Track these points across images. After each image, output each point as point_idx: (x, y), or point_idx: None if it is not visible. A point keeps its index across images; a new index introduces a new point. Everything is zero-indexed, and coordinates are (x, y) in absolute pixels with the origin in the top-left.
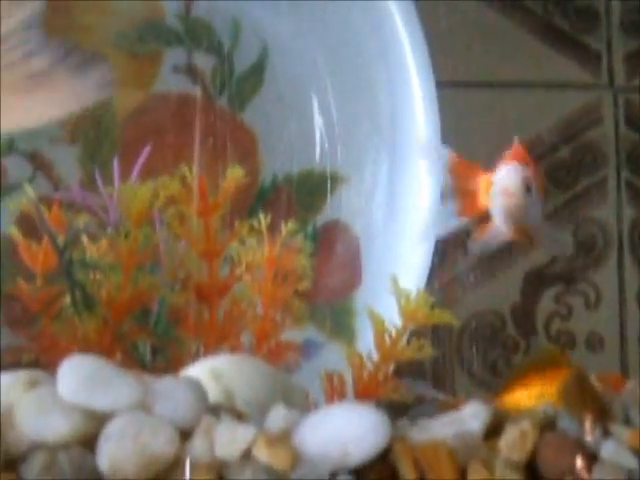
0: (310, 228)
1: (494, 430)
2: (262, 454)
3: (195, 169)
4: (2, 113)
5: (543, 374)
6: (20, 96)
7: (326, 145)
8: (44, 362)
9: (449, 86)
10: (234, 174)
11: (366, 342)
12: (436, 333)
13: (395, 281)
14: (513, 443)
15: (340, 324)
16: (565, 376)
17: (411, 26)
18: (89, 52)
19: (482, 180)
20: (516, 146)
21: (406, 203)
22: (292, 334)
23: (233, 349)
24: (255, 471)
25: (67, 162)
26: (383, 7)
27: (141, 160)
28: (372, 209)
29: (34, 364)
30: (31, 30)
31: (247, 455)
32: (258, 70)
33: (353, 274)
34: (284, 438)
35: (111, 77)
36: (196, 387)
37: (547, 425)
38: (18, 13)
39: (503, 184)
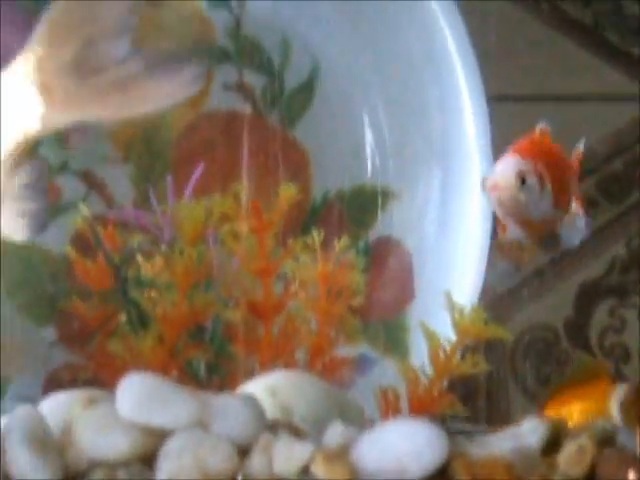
0: (362, 244)
1: (552, 445)
2: (320, 471)
3: (244, 186)
4: (83, 111)
5: (583, 386)
6: (112, 97)
7: (377, 161)
8: (100, 380)
9: (500, 100)
10: (287, 191)
11: (419, 357)
12: (489, 348)
13: (449, 296)
14: (571, 458)
15: (393, 340)
16: (605, 388)
17: (461, 41)
18: (185, 51)
19: None
20: (520, 140)
21: (458, 218)
22: (346, 350)
23: (288, 366)
24: None
25: (120, 181)
26: (432, 23)
27: (194, 178)
28: (424, 224)
29: (91, 382)
30: (122, 37)
31: (305, 472)
32: (308, 87)
33: (405, 289)
34: (342, 454)
35: (205, 70)
36: (254, 404)
37: (606, 440)
38: (106, 16)
39: (494, 178)
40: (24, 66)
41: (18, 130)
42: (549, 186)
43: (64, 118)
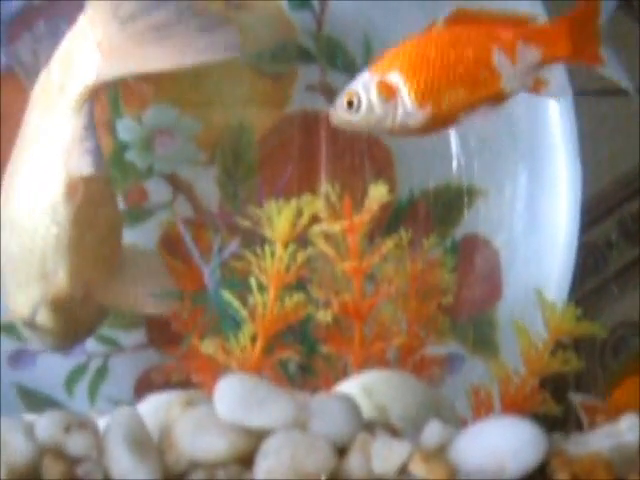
0: (449, 242)
1: None
2: (419, 469)
3: (323, 185)
4: (127, 61)
5: None
6: (144, 46)
7: (462, 159)
8: (193, 381)
9: (585, 95)
10: (378, 191)
11: (508, 355)
12: (578, 345)
13: (540, 293)
14: None
15: (482, 338)
16: None
17: None
18: (217, 16)
19: None
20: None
21: (546, 214)
22: (435, 349)
23: (379, 365)
24: None
25: (206, 183)
26: None
27: (284, 179)
28: (512, 221)
29: (183, 383)
30: None
31: (403, 471)
32: None
33: (494, 287)
34: (440, 453)
35: (238, 40)
36: (351, 404)
37: None
38: None
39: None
40: (84, 23)
41: (79, 81)
42: (404, 93)
43: (112, 69)
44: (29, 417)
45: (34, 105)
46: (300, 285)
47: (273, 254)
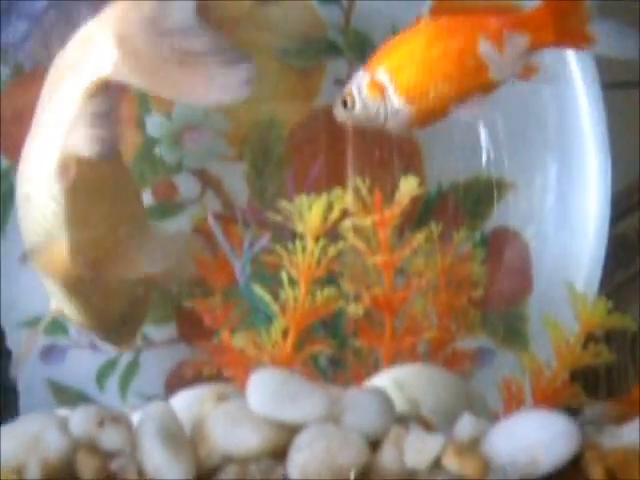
0: (479, 235)
1: None
2: (452, 463)
3: (350, 180)
4: (145, 74)
5: None
6: (169, 68)
7: (491, 151)
8: (224, 376)
9: (614, 87)
10: (408, 184)
11: (539, 348)
12: (609, 337)
13: (571, 286)
14: None
15: (512, 331)
16: None
17: None
18: (238, 51)
19: None
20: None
21: (576, 206)
22: (465, 342)
23: (410, 359)
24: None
25: (235, 178)
26: None
27: (314, 173)
28: (542, 214)
29: (215, 378)
30: (188, 12)
31: (437, 464)
32: None
33: (524, 280)
34: (473, 446)
35: (254, 76)
36: (383, 397)
37: None
38: None
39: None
40: (109, 15)
41: (93, 70)
42: (390, 91)
43: (127, 74)
44: (62, 412)
45: (47, 83)
46: (331, 279)
47: (304, 248)
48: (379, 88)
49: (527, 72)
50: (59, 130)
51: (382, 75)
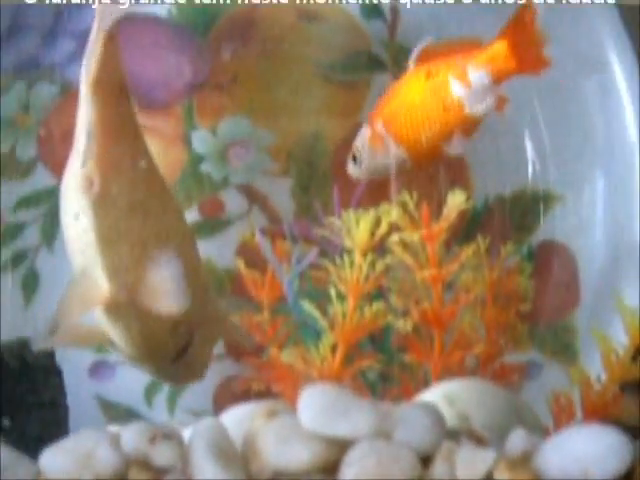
0: (526, 249)
1: None
2: (504, 477)
3: (394, 195)
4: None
5: None
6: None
7: (537, 164)
8: (273, 391)
9: None
10: (456, 198)
11: (587, 361)
12: None
13: (619, 299)
14: None
15: (561, 344)
16: None
17: (619, 39)
18: None
19: None
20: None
21: (624, 218)
22: (514, 356)
23: (458, 374)
24: None
25: (280, 194)
26: (588, 23)
27: (360, 188)
28: (589, 226)
29: (264, 394)
30: None
31: (489, 479)
32: None
33: (572, 293)
34: (525, 461)
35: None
36: (434, 412)
37: None
38: None
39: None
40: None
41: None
42: (388, 141)
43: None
44: (113, 428)
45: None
46: (379, 294)
47: (352, 263)
48: (379, 140)
49: (500, 103)
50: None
51: (380, 127)
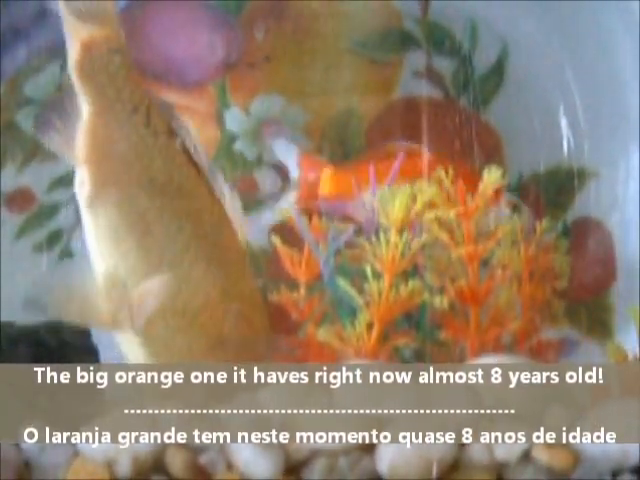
0: (561, 226)
1: None
2: (542, 455)
3: (424, 170)
4: None
5: None
6: None
7: (572, 140)
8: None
9: None
10: (492, 176)
11: (623, 338)
12: None
13: None
14: None
15: (597, 321)
16: None
17: None
18: None
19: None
20: None
21: None
22: (550, 332)
23: (495, 351)
24: (535, 471)
25: None
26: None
27: (396, 165)
28: (624, 202)
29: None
30: None
31: (527, 456)
32: (499, 69)
33: (607, 270)
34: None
35: None
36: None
37: None
38: None
39: None
40: None
41: None
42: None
43: None
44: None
45: None
46: (415, 272)
47: (388, 241)
48: None
49: None
50: None
51: None
